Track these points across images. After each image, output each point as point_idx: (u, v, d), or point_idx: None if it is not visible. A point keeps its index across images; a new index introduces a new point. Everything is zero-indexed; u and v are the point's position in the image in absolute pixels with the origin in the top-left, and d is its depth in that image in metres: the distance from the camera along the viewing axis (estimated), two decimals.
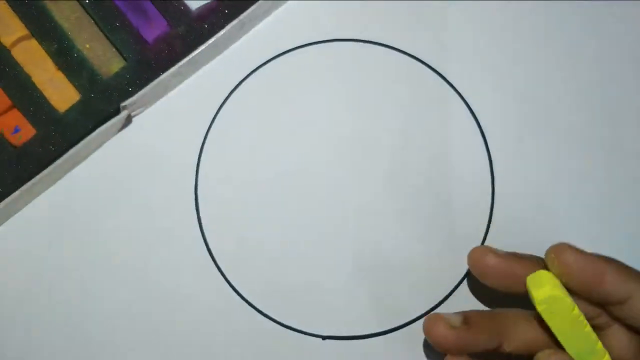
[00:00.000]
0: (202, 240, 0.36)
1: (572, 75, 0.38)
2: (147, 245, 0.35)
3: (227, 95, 0.37)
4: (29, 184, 0.34)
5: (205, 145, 0.37)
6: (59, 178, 0.36)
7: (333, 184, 0.36)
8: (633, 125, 0.38)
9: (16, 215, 0.36)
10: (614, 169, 0.37)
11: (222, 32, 0.35)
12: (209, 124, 0.37)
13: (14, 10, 0.35)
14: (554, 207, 0.36)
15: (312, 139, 0.37)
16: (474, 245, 0.32)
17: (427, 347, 0.34)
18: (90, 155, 0.36)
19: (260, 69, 0.38)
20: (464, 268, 0.35)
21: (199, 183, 0.36)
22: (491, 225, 0.36)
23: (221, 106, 0.37)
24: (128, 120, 0.36)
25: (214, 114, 0.37)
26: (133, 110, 0.36)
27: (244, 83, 0.37)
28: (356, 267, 0.35)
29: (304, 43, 0.38)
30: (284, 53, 0.38)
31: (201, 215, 0.36)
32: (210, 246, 0.35)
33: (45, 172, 0.34)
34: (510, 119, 0.37)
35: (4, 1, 0.35)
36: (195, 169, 0.36)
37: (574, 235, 0.34)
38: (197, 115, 0.37)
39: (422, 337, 0.33)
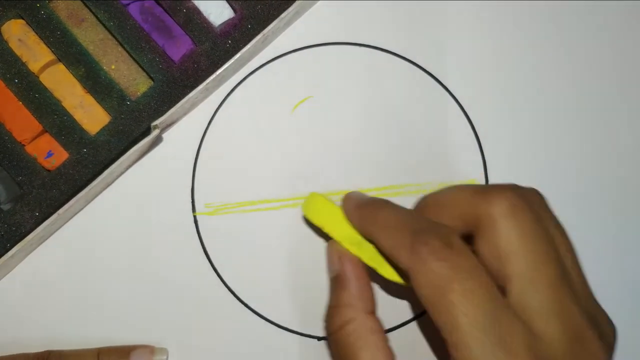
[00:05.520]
0: (199, 245, 0.36)
1: (570, 78, 0.39)
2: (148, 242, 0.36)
3: (225, 95, 0.38)
4: (65, 206, 0.34)
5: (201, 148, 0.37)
6: (93, 199, 0.36)
7: (331, 186, 0.37)
8: (631, 128, 0.39)
9: (52, 236, 0.36)
10: (612, 172, 0.38)
11: (246, 48, 0.36)
12: (209, 118, 0.38)
13: (39, 37, 0.35)
14: None
15: (310, 139, 0.38)
16: None
17: (423, 347, 0.35)
18: (122, 174, 0.37)
19: (260, 70, 0.38)
20: None
21: (195, 185, 0.37)
22: None
23: (219, 107, 0.38)
24: (159, 138, 0.36)
25: (211, 115, 0.38)
26: (163, 129, 0.36)
27: (242, 84, 0.38)
28: None
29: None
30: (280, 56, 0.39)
31: (198, 219, 0.37)
32: (208, 249, 0.36)
33: (80, 194, 0.34)
34: (507, 126, 0.38)
35: (29, 27, 0.35)
36: (192, 167, 0.37)
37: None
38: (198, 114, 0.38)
39: (416, 337, 0.34)
